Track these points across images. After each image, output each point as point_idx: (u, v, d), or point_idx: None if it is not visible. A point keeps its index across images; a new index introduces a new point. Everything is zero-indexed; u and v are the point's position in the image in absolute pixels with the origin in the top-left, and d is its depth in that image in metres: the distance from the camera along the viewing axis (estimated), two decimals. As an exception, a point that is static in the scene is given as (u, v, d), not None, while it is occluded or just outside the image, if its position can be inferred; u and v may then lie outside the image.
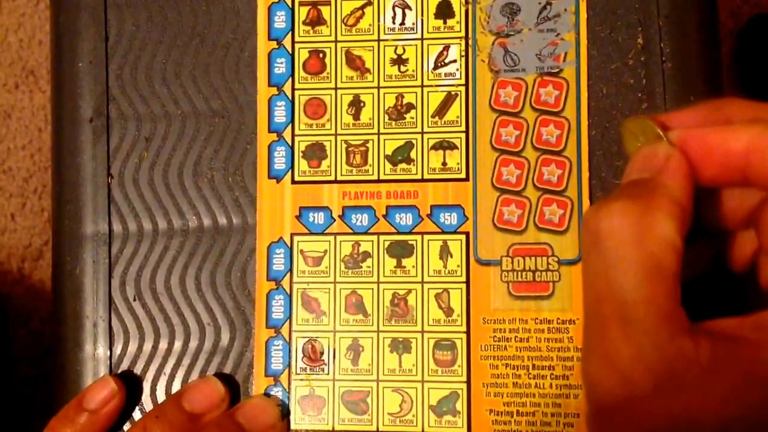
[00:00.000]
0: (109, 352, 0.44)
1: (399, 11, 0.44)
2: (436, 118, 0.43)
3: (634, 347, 0.28)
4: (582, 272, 0.31)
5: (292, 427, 0.43)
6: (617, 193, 0.31)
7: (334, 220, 0.43)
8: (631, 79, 0.42)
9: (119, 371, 0.44)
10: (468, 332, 0.42)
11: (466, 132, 0.43)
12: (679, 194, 0.31)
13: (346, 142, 0.44)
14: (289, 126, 0.44)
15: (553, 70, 0.43)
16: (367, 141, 0.44)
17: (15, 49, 0.90)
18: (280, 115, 0.44)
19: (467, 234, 0.43)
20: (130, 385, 0.44)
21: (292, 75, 0.44)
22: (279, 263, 0.44)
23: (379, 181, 0.43)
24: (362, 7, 0.44)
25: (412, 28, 0.44)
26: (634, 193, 0.31)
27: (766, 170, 0.31)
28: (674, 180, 0.31)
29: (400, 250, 0.43)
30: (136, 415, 0.44)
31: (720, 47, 0.44)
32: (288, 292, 0.43)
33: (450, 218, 0.43)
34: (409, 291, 0.43)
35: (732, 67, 0.80)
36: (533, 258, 0.42)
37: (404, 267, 0.43)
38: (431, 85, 0.43)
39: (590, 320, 0.30)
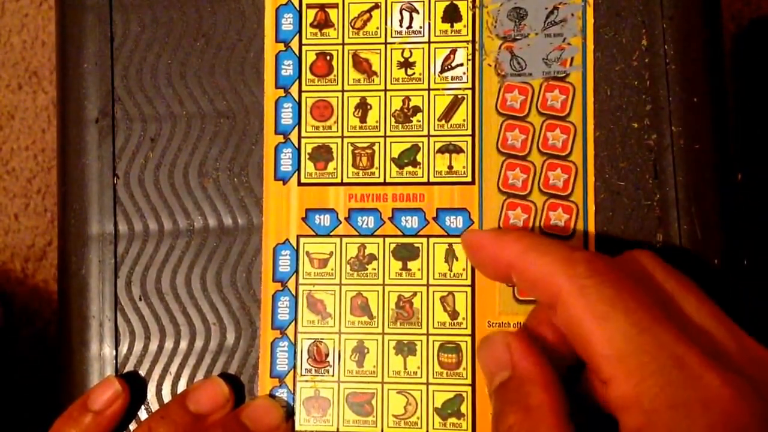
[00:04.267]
0: (114, 352, 0.44)
1: (406, 14, 0.44)
2: (443, 121, 0.43)
3: None
4: None
5: (297, 428, 0.43)
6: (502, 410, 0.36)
7: (340, 222, 0.43)
8: (635, 81, 0.43)
9: (125, 371, 0.44)
10: (473, 335, 0.42)
11: (473, 135, 0.43)
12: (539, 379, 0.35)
13: (352, 144, 0.44)
14: (296, 128, 0.44)
15: (559, 75, 0.43)
16: (373, 143, 0.44)
17: (18, 50, 0.90)
18: (287, 117, 0.44)
19: (473, 237, 0.43)
20: (135, 385, 0.44)
21: (299, 77, 0.44)
22: (285, 265, 0.44)
23: (385, 183, 0.43)
24: (370, 10, 0.44)
25: (420, 32, 0.44)
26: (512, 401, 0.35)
27: (523, 287, 0.37)
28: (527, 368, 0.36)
29: (405, 253, 0.43)
30: (142, 414, 0.44)
31: (723, 49, 0.44)
32: (293, 293, 0.43)
33: (456, 221, 0.43)
34: (415, 293, 0.43)
35: (732, 69, 0.80)
36: (538, 261, 0.42)
37: (410, 270, 0.43)
38: (438, 89, 0.43)
39: None
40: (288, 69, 0.45)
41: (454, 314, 0.42)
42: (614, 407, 0.32)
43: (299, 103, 0.44)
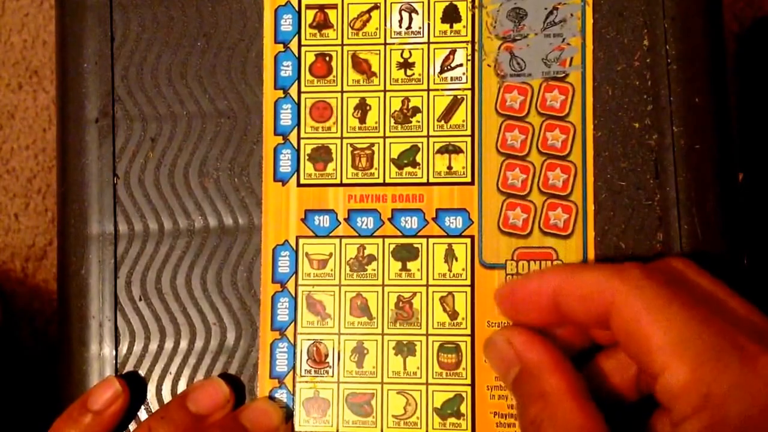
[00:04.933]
0: (114, 352, 0.44)
1: (405, 15, 0.44)
2: (442, 122, 0.43)
3: None
4: None
5: (297, 429, 0.43)
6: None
7: (340, 223, 0.43)
8: (636, 81, 0.43)
9: (125, 371, 0.44)
10: (472, 335, 0.42)
11: (472, 136, 0.43)
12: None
13: (351, 145, 0.44)
14: (295, 129, 0.44)
15: (558, 75, 0.43)
16: (372, 144, 0.44)
17: (19, 49, 0.90)
18: (286, 118, 0.44)
19: (472, 237, 0.43)
20: (135, 385, 0.44)
21: (299, 78, 0.44)
22: (284, 266, 0.44)
23: (384, 184, 0.43)
24: (369, 11, 0.44)
25: (419, 32, 0.44)
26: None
27: (570, 310, 0.36)
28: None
29: (405, 254, 0.43)
30: (142, 414, 0.44)
31: (725, 49, 0.44)
32: (293, 294, 0.43)
33: (455, 222, 0.43)
34: (414, 294, 0.43)
35: (735, 69, 0.80)
36: (538, 262, 0.42)
37: (409, 270, 0.43)
38: (437, 89, 0.43)
39: None
40: (287, 70, 0.44)
41: (453, 314, 0.42)
42: (668, 397, 0.33)
43: (298, 104, 0.44)
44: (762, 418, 0.31)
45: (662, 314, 0.33)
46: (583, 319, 0.36)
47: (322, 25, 0.44)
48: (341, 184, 0.44)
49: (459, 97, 0.43)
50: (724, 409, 0.31)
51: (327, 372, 0.43)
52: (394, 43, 0.44)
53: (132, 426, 0.44)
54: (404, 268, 0.43)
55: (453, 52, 0.44)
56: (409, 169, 0.43)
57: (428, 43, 0.44)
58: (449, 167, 0.43)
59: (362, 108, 0.44)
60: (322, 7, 0.44)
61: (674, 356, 0.33)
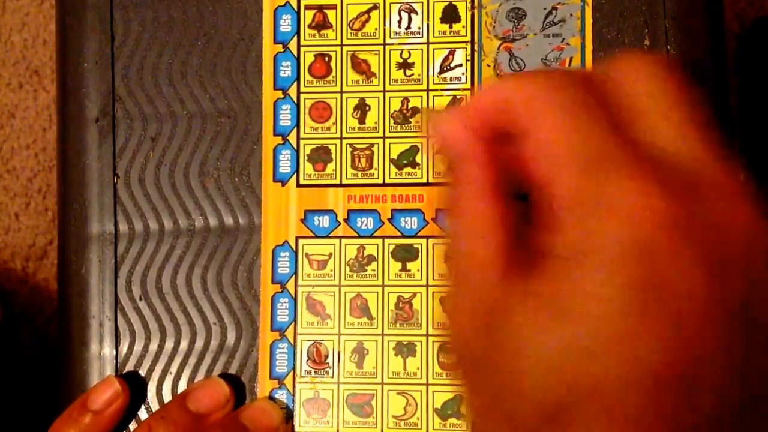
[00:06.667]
0: (115, 352, 0.44)
1: (405, 15, 0.44)
2: (442, 122, 0.43)
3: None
4: None
5: (297, 430, 0.43)
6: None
7: (339, 223, 0.43)
8: (636, 81, 0.42)
9: (125, 371, 0.44)
10: (472, 336, 0.42)
11: (472, 136, 0.43)
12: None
13: (351, 145, 0.44)
14: (295, 129, 0.44)
15: (558, 75, 0.43)
16: (372, 145, 0.44)
17: (19, 49, 0.90)
18: (285, 118, 0.44)
19: (472, 238, 0.43)
20: (136, 384, 0.44)
21: (298, 78, 0.44)
22: (284, 266, 0.44)
23: (384, 184, 0.43)
24: (368, 11, 0.44)
25: (418, 32, 0.44)
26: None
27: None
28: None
29: (405, 254, 0.43)
30: (142, 414, 0.44)
31: (726, 49, 0.44)
32: (293, 295, 0.43)
33: (455, 222, 0.43)
34: (414, 294, 0.43)
35: (735, 68, 0.80)
36: (538, 262, 0.42)
37: (409, 270, 0.43)
38: (437, 89, 0.43)
39: None
40: (286, 70, 0.44)
41: (453, 315, 0.42)
42: (546, 208, 0.32)
43: (298, 105, 0.44)
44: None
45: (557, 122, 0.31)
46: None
47: (321, 25, 0.44)
48: (341, 185, 0.44)
49: (458, 97, 0.43)
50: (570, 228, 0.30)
51: (327, 372, 0.43)
52: (393, 44, 0.44)
53: (132, 425, 0.44)
54: (404, 268, 0.43)
55: (452, 52, 0.44)
56: (408, 169, 0.43)
57: (427, 43, 0.44)
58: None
59: (362, 108, 0.44)
60: (321, 8, 0.44)
61: (554, 168, 0.31)
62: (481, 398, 0.32)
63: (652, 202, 0.29)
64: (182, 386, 0.44)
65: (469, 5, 0.43)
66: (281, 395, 0.43)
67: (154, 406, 0.44)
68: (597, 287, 0.28)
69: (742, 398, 0.28)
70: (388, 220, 0.43)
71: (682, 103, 0.33)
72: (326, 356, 0.43)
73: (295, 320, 0.43)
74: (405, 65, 0.44)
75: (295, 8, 0.45)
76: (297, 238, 0.44)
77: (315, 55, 0.44)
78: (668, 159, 0.31)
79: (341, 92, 0.44)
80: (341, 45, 0.44)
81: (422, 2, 0.44)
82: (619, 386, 0.28)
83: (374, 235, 0.43)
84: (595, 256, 0.29)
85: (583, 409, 0.28)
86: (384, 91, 0.44)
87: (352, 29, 0.44)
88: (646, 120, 0.32)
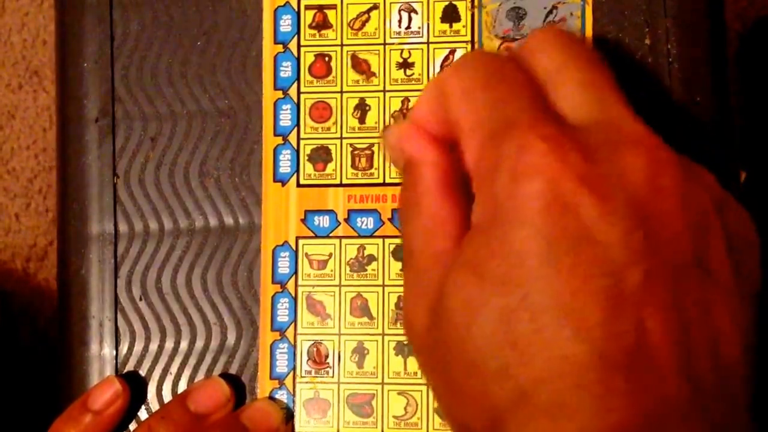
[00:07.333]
0: (115, 352, 0.44)
1: (405, 15, 0.44)
2: (442, 121, 0.43)
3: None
4: None
5: (297, 430, 0.43)
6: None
7: (339, 223, 0.43)
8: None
9: (125, 371, 0.44)
10: (473, 336, 0.42)
11: (472, 136, 0.43)
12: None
13: (351, 145, 0.44)
14: (295, 129, 0.44)
15: (559, 75, 0.43)
16: (372, 144, 0.44)
17: (18, 49, 0.90)
18: (286, 118, 0.44)
19: (472, 237, 0.42)
20: (136, 384, 0.44)
21: (298, 78, 0.44)
22: (284, 266, 0.44)
23: (384, 184, 0.43)
24: (368, 11, 0.44)
25: (418, 32, 0.44)
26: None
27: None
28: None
29: None
30: (143, 414, 0.44)
31: (726, 48, 0.44)
32: (293, 295, 0.43)
33: (455, 222, 0.43)
34: None
35: (737, 69, 0.80)
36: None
37: None
38: (437, 89, 0.43)
39: None
40: (286, 70, 0.44)
41: (453, 315, 0.42)
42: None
43: (298, 105, 0.44)
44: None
45: (465, 100, 0.32)
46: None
47: (322, 25, 0.44)
48: (341, 185, 0.44)
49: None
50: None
51: (327, 372, 0.43)
52: (393, 43, 0.44)
53: (132, 426, 0.44)
54: (404, 268, 0.43)
55: (453, 51, 0.43)
56: None
57: (428, 43, 0.44)
58: (449, 167, 0.43)
59: (362, 108, 0.44)
60: (321, 8, 0.44)
61: (468, 136, 0.32)
62: (437, 382, 0.32)
63: (568, 158, 0.29)
64: (182, 386, 0.44)
65: (469, 5, 0.43)
66: (281, 395, 0.43)
67: (154, 406, 0.44)
68: (516, 248, 0.28)
69: (696, 368, 0.28)
70: (389, 219, 0.43)
71: (593, 70, 0.33)
72: (326, 356, 0.43)
73: (295, 320, 0.43)
74: (405, 65, 0.44)
75: (295, 8, 0.45)
76: (297, 238, 0.44)
77: (315, 55, 0.44)
78: (587, 121, 0.31)
79: (341, 92, 0.44)
80: (341, 45, 0.44)
81: (422, 2, 0.44)
82: (555, 356, 0.27)
83: (374, 234, 0.43)
84: (509, 217, 0.29)
85: (518, 384, 0.28)
86: (384, 90, 0.44)
87: (352, 29, 0.44)
88: (563, 89, 0.32)
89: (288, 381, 0.43)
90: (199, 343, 0.44)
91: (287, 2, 0.45)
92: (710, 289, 0.29)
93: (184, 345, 0.44)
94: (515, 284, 0.28)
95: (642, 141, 0.30)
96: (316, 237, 0.43)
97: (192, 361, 0.44)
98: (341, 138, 0.44)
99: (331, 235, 0.43)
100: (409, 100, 0.43)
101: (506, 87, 0.32)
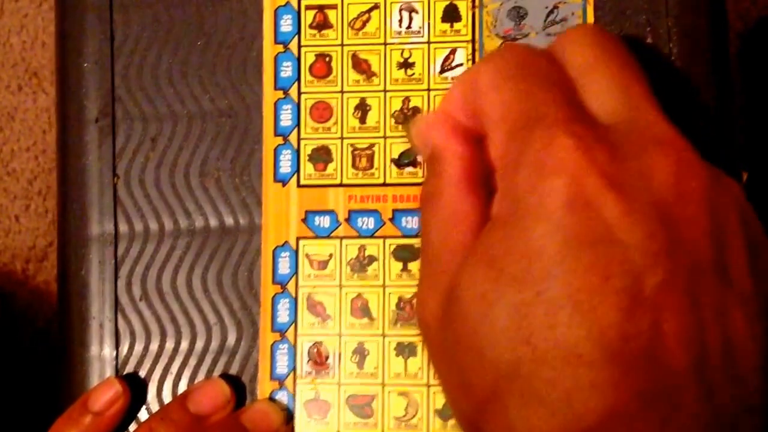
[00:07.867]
0: (115, 353, 0.44)
1: (405, 15, 0.44)
2: (443, 121, 0.43)
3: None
4: None
5: (297, 431, 0.43)
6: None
7: (340, 223, 0.43)
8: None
9: (125, 372, 0.44)
10: (474, 336, 0.42)
11: (473, 136, 0.43)
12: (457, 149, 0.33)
13: (352, 145, 0.44)
14: (295, 129, 0.44)
15: (560, 75, 0.42)
16: (373, 144, 0.44)
17: (18, 51, 0.90)
18: (286, 118, 0.44)
19: (473, 238, 0.42)
20: (136, 385, 0.44)
21: (298, 78, 0.44)
22: (284, 267, 0.43)
23: (385, 184, 0.43)
24: (369, 11, 0.44)
25: (419, 32, 0.44)
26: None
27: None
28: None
29: (406, 254, 0.43)
30: (143, 415, 0.44)
31: (729, 48, 0.44)
32: (293, 295, 0.43)
33: (456, 222, 0.43)
34: (415, 294, 0.43)
35: (739, 68, 0.80)
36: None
37: (410, 271, 0.43)
38: (438, 89, 0.43)
39: None
40: (287, 70, 0.44)
41: (454, 316, 0.42)
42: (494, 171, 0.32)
43: (298, 105, 0.44)
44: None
45: (497, 91, 0.32)
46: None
47: (322, 25, 0.44)
48: (341, 185, 0.44)
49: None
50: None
51: (328, 373, 0.43)
52: (394, 43, 0.44)
53: (132, 427, 0.44)
54: (405, 268, 0.43)
55: (453, 51, 0.43)
56: (409, 169, 0.43)
57: (428, 42, 0.44)
58: (450, 167, 0.43)
59: (362, 108, 0.44)
60: (321, 8, 0.44)
61: (495, 128, 0.32)
62: (444, 375, 0.32)
63: (594, 155, 0.29)
64: (183, 387, 0.44)
65: (469, 4, 0.43)
66: (282, 396, 0.43)
67: (155, 407, 0.44)
68: (535, 243, 0.28)
69: (709, 367, 0.28)
70: (389, 219, 0.43)
71: (625, 69, 0.33)
72: (327, 357, 0.43)
73: (295, 321, 0.43)
74: (406, 65, 0.44)
75: (296, 8, 0.44)
76: (297, 239, 0.44)
77: (316, 55, 0.44)
78: (616, 120, 0.31)
79: (342, 92, 0.44)
80: (342, 45, 0.44)
81: (423, 2, 0.44)
82: (568, 355, 0.27)
83: (375, 235, 0.43)
84: (530, 211, 0.29)
85: (529, 380, 0.28)
86: (385, 90, 0.44)
87: (352, 29, 0.44)
88: (594, 86, 0.32)
89: (288, 382, 0.43)
90: (200, 344, 0.44)
91: (288, 2, 0.45)
92: (729, 297, 0.28)
93: (184, 346, 0.44)
94: (532, 280, 0.28)
95: (670, 143, 0.30)
96: (317, 237, 0.43)
97: (192, 361, 0.44)
98: (342, 138, 0.44)
99: (331, 235, 0.43)
100: (409, 100, 0.43)
101: (536, 81, 0.32)
